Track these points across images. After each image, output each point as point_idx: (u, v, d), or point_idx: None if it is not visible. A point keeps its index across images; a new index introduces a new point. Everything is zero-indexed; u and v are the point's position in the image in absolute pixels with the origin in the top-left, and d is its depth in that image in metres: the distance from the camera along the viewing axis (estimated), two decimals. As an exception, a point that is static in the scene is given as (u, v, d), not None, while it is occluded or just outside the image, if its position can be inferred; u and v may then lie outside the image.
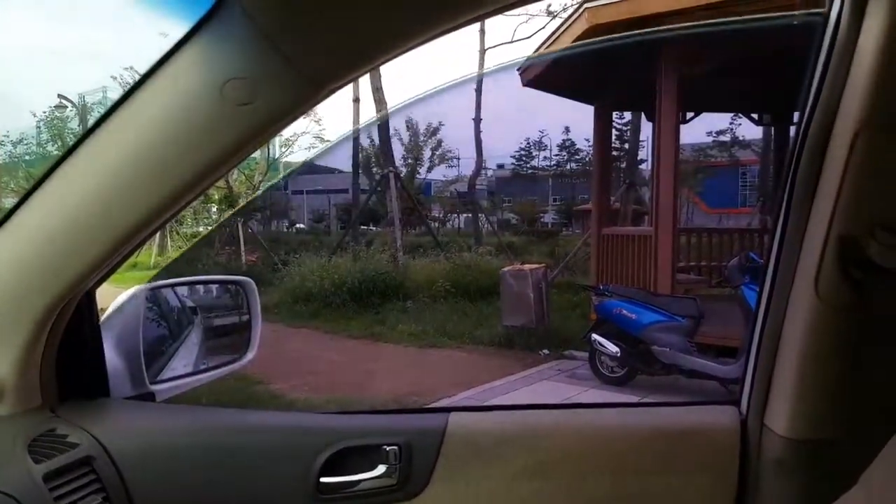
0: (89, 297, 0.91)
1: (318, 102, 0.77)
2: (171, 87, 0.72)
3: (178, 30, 0.74)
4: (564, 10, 15.36)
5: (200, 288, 1.55)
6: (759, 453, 0.86)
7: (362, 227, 21.38)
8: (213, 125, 0.72)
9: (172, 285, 1.29)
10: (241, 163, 0.84)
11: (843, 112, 0.72)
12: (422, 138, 23.33)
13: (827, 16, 0.75)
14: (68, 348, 0.89)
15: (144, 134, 0.73)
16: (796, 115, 0.84)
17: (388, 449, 0.89)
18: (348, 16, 0.65)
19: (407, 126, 23.04)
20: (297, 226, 33.03)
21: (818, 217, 0.75)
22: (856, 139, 0.70)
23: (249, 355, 1.26)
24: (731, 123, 21.06)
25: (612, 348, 5.37)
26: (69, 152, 0.77)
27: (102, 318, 1.01)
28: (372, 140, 19.88)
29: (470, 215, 20.93)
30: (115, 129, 0.75)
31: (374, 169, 20.19)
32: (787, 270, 0.80)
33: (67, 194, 0.77)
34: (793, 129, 0.81)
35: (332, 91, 0.75)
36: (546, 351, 6.71)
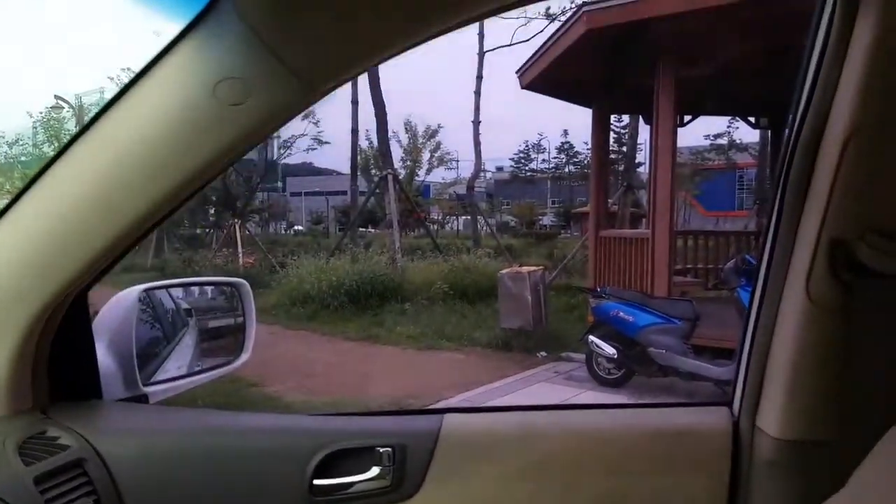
0: (81, 299, 0.90)
1: (312, 103, 0.77)
2: (163, 87, 0.72)
3: (172, 28, 0.74)
4: (563, 13, 15.43)
5: (195, 289, 1.54)
6: (750, 454, 0.87)
7: (361, 229, 21.41)
8: (205, 125, 0.72)
9: (166, 287, 1.29)
10: (236, 163, 0.84)
11: (834, 116, 0.72)
12: (421, 140, 23.32)
13: (819, 20, 0.75)
14: (60, 350, 0.88)
15: (137, 134, 0.73)
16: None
17: (381, 451, 0.89)
18: (342, 17, 0.65)
19: (406, 128, 23.03)
20: (296, 227, 33.07)
21: (810, 220, 0.75)
22: (847, 143, 0.70)
23: (244, 357, 1.26)
24: (728, 126, 21.12)
25: (609, 350, 5.38)
26: (61, 152, 0.77)
27: (95, 319, 1.00)
28: (371, 142, 19.87)
29: (469, 217, 20.93)
30: (106, 129, 0.75)
31: (373, 171, 20.19)
32: (779, 273, 0.80)
33: (59, 195, 0.77)
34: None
35: (327, 92, 0.75)
36: (543, 353, 6.72)
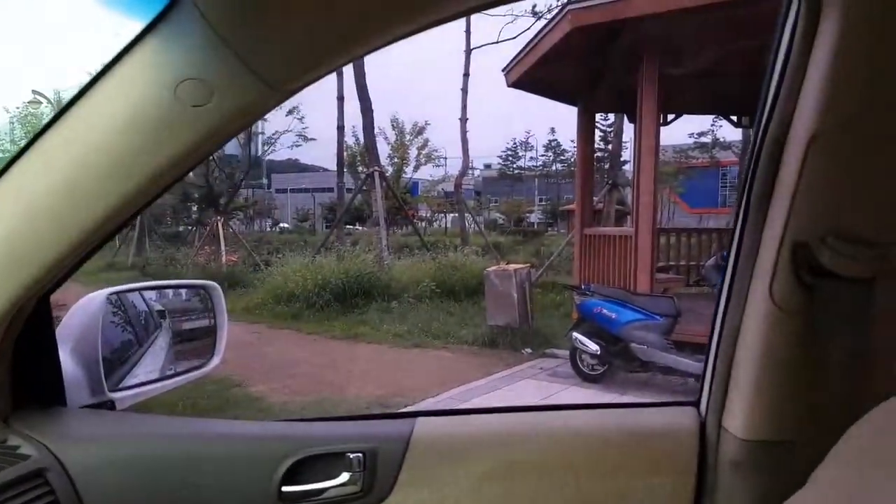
0: (44, 302, 0.89)
1: (276, 104, 0.76)
2: (124, 88, 0.71)
3: (132, 29, 0.73)
4: (549, 11, 15.47)
5: (170, 291, 1.52)
6: (716, 454, 0.87)
7: (348, 226, 21.33)
8: (166, 126, 0.71)
9: (135, 290, 1.26)
10: (200, 163, 0.83)
11: (797, 119, 0.73)
12: (408, 137, 23.22)
13: (784, 22, 0.75)
14: (23, 355, 0.86)
15: (99, 135, 0.72)
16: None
17: (352, 456, 0.88)
18: (308, 16, 0.64)
19: (393, 125, 22.93)
20: (281, 225, 32.86)
21: (773, 223, 0.76)
22: (810, 146, 0.70)
23: (215, 361, 1.24)
24: (712, 125, 21.34)
25: (593, 346, 5.43)
26: (20, 153, 0.75)
27: (59, 324, 0.98)
28: (357, 138, 19.76)
29: (457, 215, 20.93)
30: (66, 129, 0.73)
31: (360, 168, 20.06)
32: (744, 275, 0.81)
33: (19, 197, 0.75)
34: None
35: (293, 92, 0.74)
36: (529, 350, 6.75)
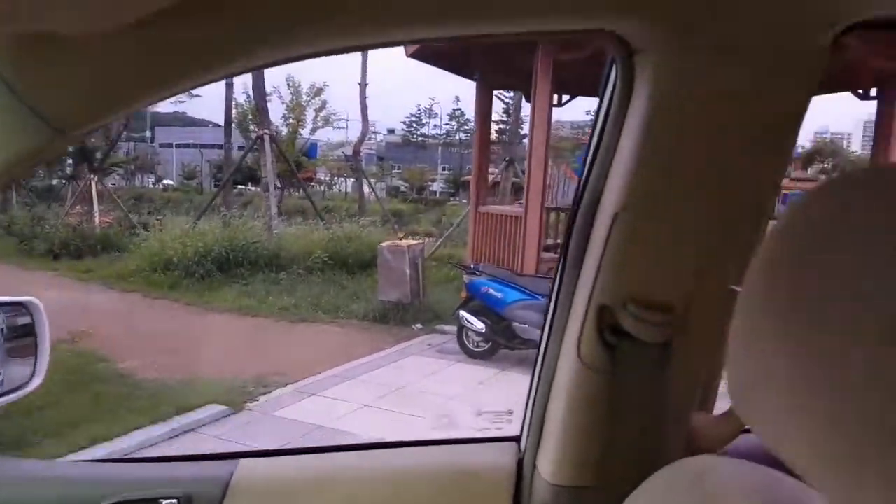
0: None
1: (64, 147, 0.70)
2: None
3: None
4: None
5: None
6: (530, 494, 0.93)
7: (240, 186, 20.18)
8: None
9: None
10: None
11: (608, 190, 0.77)
12: (305, 98, 22.16)
13: (603, 92, 0.78)
14: None
15: None
16: None
17: (165, 502, 0.85)
18: (96, 61, 0.58)
19: (288, 84, 21.75)
20: (165, 182, 30.55)
21: (583, 287, 0.81)
22: (615, 220, 0.75)
23: (36, 382, 1.14)
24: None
25: (479, 324, 5.65)
26: None
27: None
28: (248, 96, 18.54)
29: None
30: None
31: (252, 127, 18.91)
32: (558, 331, 0.86)
33: None
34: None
35: (82, 137, 0.68)
36: (419, 326, 6.87)
